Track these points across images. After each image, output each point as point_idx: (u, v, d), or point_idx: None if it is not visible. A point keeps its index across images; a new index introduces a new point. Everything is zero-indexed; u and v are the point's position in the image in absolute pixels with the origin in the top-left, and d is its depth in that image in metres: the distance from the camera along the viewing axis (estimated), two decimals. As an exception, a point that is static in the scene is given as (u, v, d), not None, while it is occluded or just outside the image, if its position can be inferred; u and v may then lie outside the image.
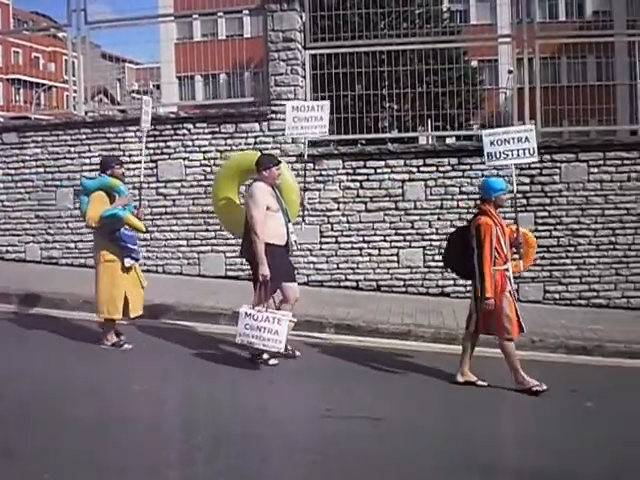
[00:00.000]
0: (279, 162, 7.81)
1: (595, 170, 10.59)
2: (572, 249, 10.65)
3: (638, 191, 10.56)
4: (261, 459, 5.14)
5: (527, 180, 10.66)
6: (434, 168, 10.89)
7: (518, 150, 7.84)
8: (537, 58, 11.34)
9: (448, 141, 12.52)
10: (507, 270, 7.12)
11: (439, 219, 10.83)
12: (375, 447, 5.43)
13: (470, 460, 5.24)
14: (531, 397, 6.89)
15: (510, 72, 12.48)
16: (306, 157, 9.47)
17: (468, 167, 10.81)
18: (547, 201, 10.65)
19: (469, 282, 10.52)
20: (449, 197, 10.85)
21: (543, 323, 9.52)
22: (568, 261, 10.68)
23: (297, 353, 7.89)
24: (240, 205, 8.46)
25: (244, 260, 8.20)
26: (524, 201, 10.62)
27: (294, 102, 9.12)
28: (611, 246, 10.62)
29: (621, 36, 13.99)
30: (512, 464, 5.28)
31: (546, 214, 10.63)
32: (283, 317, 7.32)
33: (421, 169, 10.93)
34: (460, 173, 10.84)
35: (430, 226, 10.88)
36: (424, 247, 10.94)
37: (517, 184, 10.57)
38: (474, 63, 18.06)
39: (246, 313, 7.32)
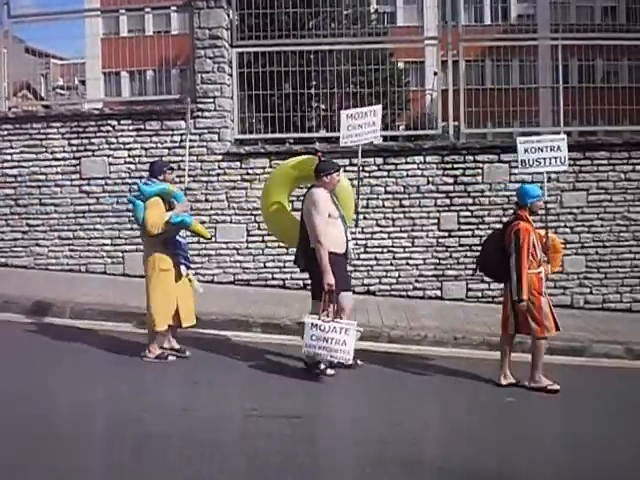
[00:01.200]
0: (339, 168, 7.68)
1: (516, 171, 10.80)
2: (494, 248, 10.85)
3: (558, 191, 10.85)
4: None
5: (451, 180, 10.85)
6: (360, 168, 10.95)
7: (550, 158, 8.06)
8: (461, 60, 11.52)
9: (375, 141, 12.61)
10: (540, 273, 7.30)
11: (365, 218, 10.90)
12: (297, 446, 5.42)
13: (395, 454, 5.30)
14: (460, 393, 7.06)
15: (435, 74, 12.67)
16: (360, 165, 8.96)
17: (393, 167, 10.93)
18: (470, 201, 10.85)
19: (394, 281, 10.87)
20: (375, 197, 10.95)
21: (466, 320, 9.71)
22: (489, 260, 10.89)
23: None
24: (291, 213, 8.31)
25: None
26: (447, 201, 10.82)
27: (348, 110, 8.81)
28: (531, 245, 10.87)
29: (544, 39, 14.37)
30: (434, 456, 5.36)
31: (469, 214, 10.83)
32: (350, 327, 7.15)
33: (347, 169, 10.97)
34: (385, 173, 10.95)
35: (356, 225, 10.92)
36: (351, 246, 11.01)
37: (440, 184, 10.83)
38: (401, 65, 18.30)
39: (312, 324, 7.06)
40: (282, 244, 9.96)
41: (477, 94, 12.93)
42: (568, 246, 10.77)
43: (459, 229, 10.83)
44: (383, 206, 10.93)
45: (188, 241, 8.19)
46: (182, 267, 7.61)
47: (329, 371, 7.28)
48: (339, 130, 12.32)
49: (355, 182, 8.46)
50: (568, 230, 10.86)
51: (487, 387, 7.28)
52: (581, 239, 10.83)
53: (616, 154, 10.87)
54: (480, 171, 10.89)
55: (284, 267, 11.05)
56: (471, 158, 10.83)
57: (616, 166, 10.90)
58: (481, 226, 10.83)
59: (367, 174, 10.95)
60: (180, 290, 7.60)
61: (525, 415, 6.67)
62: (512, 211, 7.72)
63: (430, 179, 10.85)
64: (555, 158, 8.09)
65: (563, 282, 10.86)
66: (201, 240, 10.98)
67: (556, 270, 8.19)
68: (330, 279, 7.08)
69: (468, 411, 6.57)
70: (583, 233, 10.84)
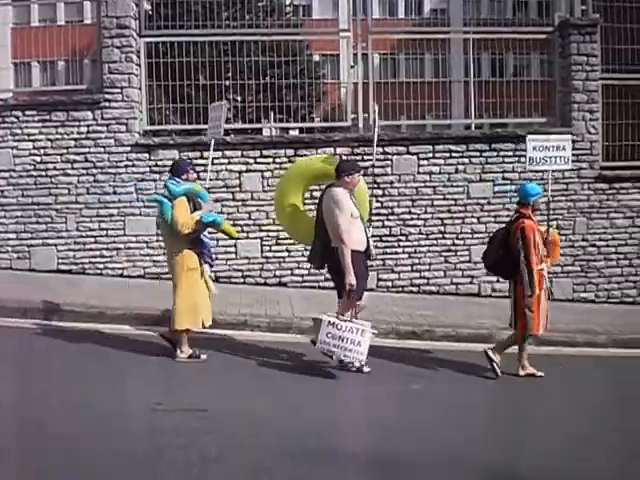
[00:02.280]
0: (361, 168, 7.71)
1: (425, 162, 11.00)
2: (403, 238, 11.02)
3: (465, 182, 11.05)
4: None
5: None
6: (271, 159, 10.97)
7: (556, 157, 8.45)
8: (371, 53, 11.63)
9: (291, 133, 12.64)
10: (543, 270, 7.50)
11: (276, 210, 10.92)
12: (206, 439, 5.37)
13: (308, 445, 5.31)
14: (362, 382, 7.18)
15: (352, 67, 12.73)
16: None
17: (304, 159, 10.94)
18: (379, 192, 10.93)
19: (306, 273, 10.89)
20: (285, 188, 10.93)
21: (376, 310, 9.74)
22: (400, 250, 11.05)
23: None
24: (305, 212, 8.31)
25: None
26: (358, 192, 10.88)
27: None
28: (440, 235, 11.08)
29: (457, 33, 14.58)
30: (343, 447, 5.37)
31: (379, 205, 10.91)
32: (366, 328, 7.22)
33: (258, 160, 10.98)
34: (296, 164, 10.94)
35: (267, 217, 10.94)
36: (261, 238, 11.00)
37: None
38: (316, 57, 18.35)
39: (329, 322, 7.13)
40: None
41: (391, 87, 13.10)
42: (475, 236, 11.02)
43: (368, 220, 10.87)
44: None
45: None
46: (206, 266, 7.67)
47: (365, 369, 7.35)
48: (257, 122, 12.48)
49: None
50: (475, 220, 11.08)
51: (399, 376, 7.42)
52: (488, 229, 11.01)
53: (521, 145, 11.08)
54: (389, 163, 10.99)
55: (195, 260, 10.95)
56: (380, 150, 10.91)
57: (521, 157, 11.12)
58: (391, 217, 10.96)
59: (278, 166, 10.93)
60: (204, 289, 7.63)
61: (431, 400, 6.79)
62: (514, 210, 7.89)
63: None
64: (560, 157, 8.47)
65: (471, 271, 11.08)
66: (109, 233, 10.87)
67: (555, 263, 8.48)
68: (352, 279, 7.11)
69: (377, 401, 6.65)
70: (490, 223, 11.04)
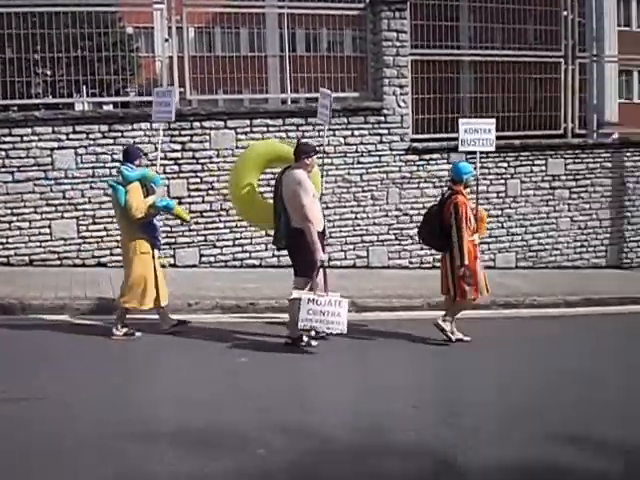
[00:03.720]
0: (318, 150, 8.00)
1: (243, 137, 11.02)
2: (224, 213, 11.00)
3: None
4: None
5: (179, 147, 10.80)
6: (84, 135, 10.58)
7: (483, 140, 8.97)
8: (185, 26, 11.44)
9: (105, 108, 12.23)
10: (474, 240, 8.05)
11: (91, 188, 10.58)
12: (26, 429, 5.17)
13: (134, 427, 5.21)
14: (199, 358, 7.15)
15: (166, 40, 12.46)
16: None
17: (119, 134, 10.65)
18: (198, 167, 10.88)
19: (109, 253, 10.59)
20: (101, 165, 10.62)
21: (199, 286, 9.78)
22: (221, 225, 11.05)
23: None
24: (260, 195, 8.58)
25: None
26: (176, 167, 10.78)
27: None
28: (260, 209, 11.15)
29: (271, 8, 14.61)
30: (168, 424, 5.32)
31: (198, 180, 10.87)
32: (342, 299, 7.50)
33: (70, 136, 10.56)
34: (111, 140, 10.64)
35: (83, 195, 10.59)
36: (77, 217, 10.62)
37: (168, 151, 10.75)
38: (130, 30, 17.81)
39: (309, 299, 7.33)
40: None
41: (208, 61, 12.95)
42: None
43: (189, 196, 10.83)
44: (110, 175, 10.53)
45: None
46: (156, 249, 7.90)
47: (313, 342, 7.63)
48: (68, 97, 11.95)
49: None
50: (294, 194, 11.24)
51: (221, 351, 7.43)
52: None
53: (335, 119, 11.38)
54: (207, 137, 10.93)
55: (7, 243, 10.46)
56: (198, 124, 10.84)
57: (337, 131, 11.44)
58: (210, 192, 10.93)
59: (92, 142, 10.58)
60: (156, 271, 7.82)
61: (258, 372, 6.85)
62: (447, 187, 8.38)
63: (158, 146, 10.69)
64: (486, 139, 9.01)
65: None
66: None
67: (482, 236, 8.96)
68: (322, 255, 7.40)
69: (206, 375, 6.66)
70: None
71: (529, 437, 5.26)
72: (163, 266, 8.42)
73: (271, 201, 8.11)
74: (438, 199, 8.53)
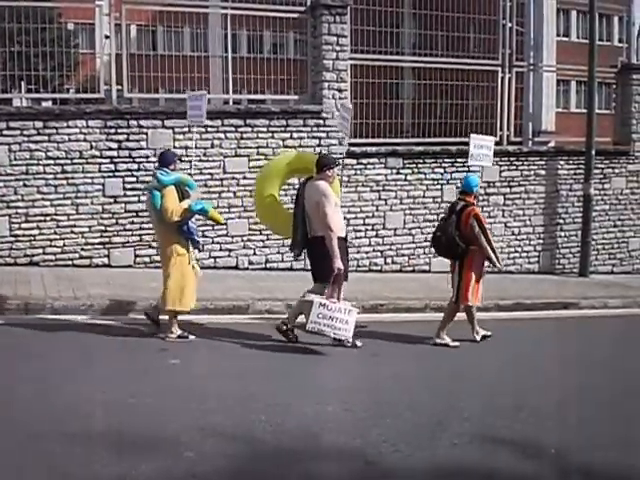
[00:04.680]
0: (339, 162, 8.45)
1: (181, 137, 10.97)
2: (160, 213, 10.92)
3: (221, 157, 11.19)
4: None
5: (115, 146, 10.70)
6: (18, 132, 10.41)
7: (487, 155, 9.94)
8: (124, 24, 11.34)
9: (44, 104, 12.04)
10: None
11: (25, 185, 10.41)
12: None
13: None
14: (131, 359, 7.09)
15: (107, 37, 12.33)
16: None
17: (54, 131, 10.50)
18: (135, 167, 10.80)
19: (59, 251, 10.53)
20: (35, 162, 10.45)
21: (134, 286, 9.68)
22: (156, 225, 10.95)
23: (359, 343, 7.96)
24: (282, 205, 8.98)
25: None
26: (112, 166, 10.68)
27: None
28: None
29: (215, 8, 14.57)
30: (99, 426, 5.28)
31: (134, 179, 10.78)
32: (352, 308, 7.77)
33: (4, 132, 10.37)
34: (46, 137, 10.48)
35: (16, 193, 10.41)
36: (10, 215, 10.43)
37: (104, 149, 10.66)
38: (70, 25, 17.57)
39: (320, 303, 7.56)
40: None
41: (148, 59, 12.86)
42: (232, 210, 11.21)
43: (125, 195, 10.74)
44: (44, 172, 10.48)
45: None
46: (195, 251, 8.14)
47: (358, 343, 7.93)
48: (6, 92, 11.71)
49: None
50: (231, 195, 11.27)
51: (152, 352, 7.37)
52: (244, 203, 11.28)
53: (275, 121, 11.43)
54: (145, 136, 10.85)
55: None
56: (135, 123, 10.76)
57: (275, 133, 11.47)
58: (146, 192, 10.80)
59: (26, 138, 10.40)
60: (192, 273, 7.94)
61: (188, 373, 6.82)
62: (458, 198, 8.63)
63: (93, 144, 10.61)
64: (488, 156, 9.97)
65: (228, 245, 11.28)
66: None
67: None
68: (340, 264, 7.63)
69: (137, 376, 6.59)
70: (246, 197, 11.28)
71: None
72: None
73: (291, 210, 8.48)
74: (447, 209, 8.80)
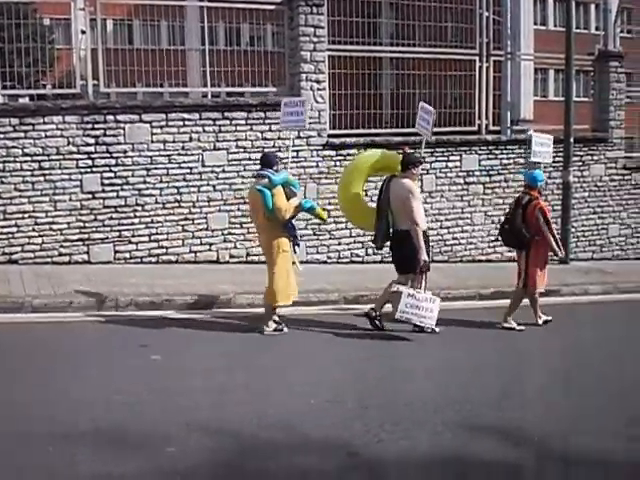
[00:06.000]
0: (422, 161, 9.04)
1: (158, 131, 10.91)
2: (140, 208, 10.88)
3: (199, 151, 11.13)
4: None
5: (92, 141, 10.62)
6: (-7, 129, 10.33)
7: (547, 152, 11.05)
8: (100, 18, 11.24)
9: (21, 101, 11.93)
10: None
11: (2, 182, 10.31)
12: None
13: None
14: (110, 356, 7.02)
15: (83, 32, 12.23)
16: None
17: (31, 127, 10.41)
18: (113, 162, 10.72)
19: (38, 248, 10.45)
20: (12, 159, 10.35)
21: (114, 282, 9.64)
22: (136, 220, 10.90)
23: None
24: (365, 200, 9.63)
25: None
26: (89, 162, 10.59)
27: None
28: (177, 204, 11.08)
29: (192, 1, 14.49)
30: (86, 424, 5.24)
31: (112, 175, 10.71)
32: (436, 297, 8.38)
33: (-20, 133, 10.29)
34: (22, 134, 10.38)
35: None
36: (-10, 213, 10.37)
37: (82, 145, 10.59)
38: (46, 21, 17.42)
39: (409, 294, 8.17)
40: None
41: (126, 53, 12.75)
42: (211, 204, 11.18)
43: (103, 190, 10.67)
44: (21, 169, 10.38)
45: None
46: (296, 247, 8.59)
47: (437, 329, 8.43)
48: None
49: None
50: (211, 188, 11.22)
51: (133, 349, 7.33)
52: (223, 196, 11.25)
53: (253, 114, 11.40)
54: (122, 131, 10.77)
55: None
56: (112, 118, 10.68)
57: (254, 126, 11.43)
58: (125, 187, 10.78)
59: (2, 135, 10.30)
60: (292, 269, 8.42)
61: (170, 369, 6.80)
62: (523, 192, 9.31)
63: (70, 140, 10.53)
64: (548, 152, 11.06)
65: (208, 238, 11.24)
66: None
67: None
68: (425, 255, 8.24)
69: (122, 373, 6.57)
70: (225, 191, 11.26)
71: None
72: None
73: (373, 205, 9.08)
74: (514, 203, 9.37)
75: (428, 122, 9.62)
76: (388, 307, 8.60)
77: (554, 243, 9.09)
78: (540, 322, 9.24)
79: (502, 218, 10.24)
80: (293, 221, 8.42)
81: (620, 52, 14.97)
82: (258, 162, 11.17)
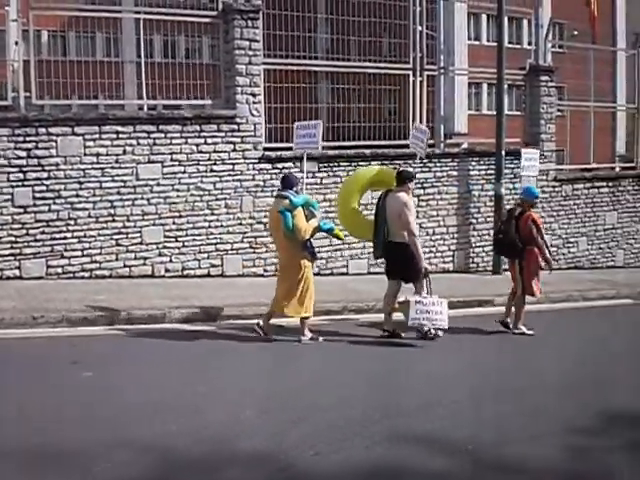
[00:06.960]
0: (415, 176, 9.56)
1: (92, 144, 10.80)
2: (72, 222, 10.73)
3: (133, 164, 11.05)
4: None
5: (24, 154, 10.45)
6: None
7: (534, 166, 12.54)
8: (32, 30, 11.08)
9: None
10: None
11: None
12: None
13: None
14: (41, 373, 6.88)
15: (17, 43, 12.06)
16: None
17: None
18: (45, 175, 10.57)
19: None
20: (-58, 173, 10.15)
21: (45, 298, 9.48)
22: (69, 235, 10.74)
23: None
24: (362, 213, 10.33)
25: None
26: (21, 175, 10.42)
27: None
28: (110, 218, 10.96)
29: (128, 13, 14.40)
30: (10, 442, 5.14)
31: (44, 188, 10.55)
32: (443, 300, 8.70)
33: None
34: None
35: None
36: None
37: (13, 158, 10.42)
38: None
39: (416, 301, 8.57)
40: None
41: (57, 65, 12.60)
42: (146, 217, 11.10)
43: (34, 205, 10.50)
44: (-48, 184, 10.19)
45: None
46: (315, 262, 9.16)
47: (440, 333, 8.77)
48: None
49: None
50: (145, 202, 11.14)
51: (64, 366, 7.21)
52: (158, 210, 11.19)
53: (188, 127, 11.37)
54: (54, 144, 10.63)
55: None
56: (44, 130, 10.53)
57: (189, 139, 11.41)
58: (57, 200, 10.63)
59: None
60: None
61: (102, 386, 6.67)
62: (516, 204, 10.05)
63: (1, 153, 10.35)
64: (535, 166, 12.48)
65: (143, 252, 11.15)
66: None
67: None
68: (425, 264, 8.89)
69: (50, 391, 6.45)
70: (160, 204, 11.20)
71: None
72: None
73: (370, 218, 9.48)
74: (506, 214, 10.11)
75: (422, 141, 10.45)
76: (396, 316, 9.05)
77: (547, 253, 9.68)
78: (517, 330, 9.63)
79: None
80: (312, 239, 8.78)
81: (550, 66, 15.40)
82: (189, 175, 11.35)
